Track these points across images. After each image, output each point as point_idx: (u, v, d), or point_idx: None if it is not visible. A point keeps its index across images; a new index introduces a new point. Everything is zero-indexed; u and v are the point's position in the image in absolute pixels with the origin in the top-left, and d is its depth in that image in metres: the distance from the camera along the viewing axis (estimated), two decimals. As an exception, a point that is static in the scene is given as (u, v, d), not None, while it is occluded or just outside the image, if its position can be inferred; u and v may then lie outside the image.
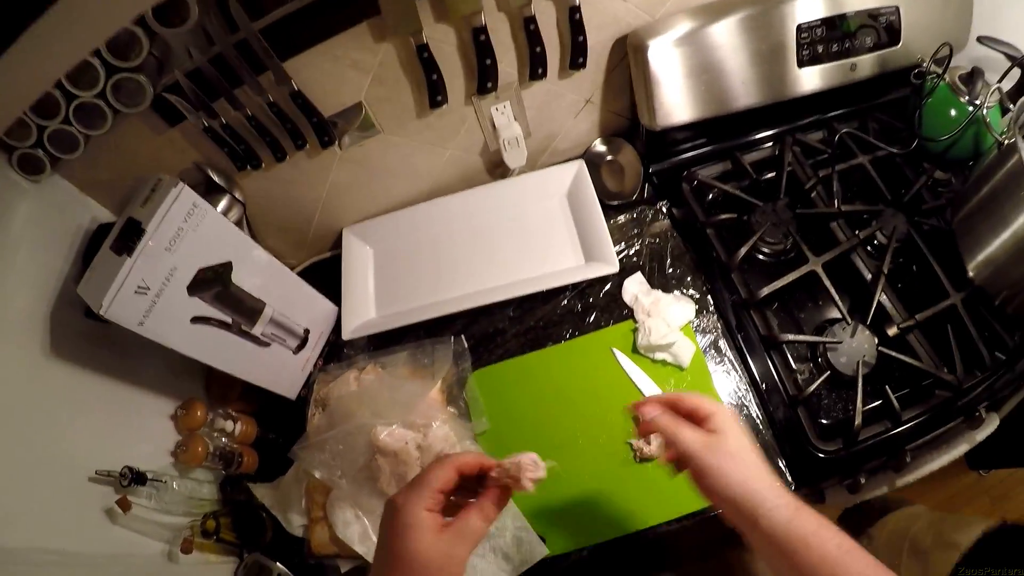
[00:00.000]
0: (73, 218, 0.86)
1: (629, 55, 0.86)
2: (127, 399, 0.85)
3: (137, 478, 0.77)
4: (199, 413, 0.86)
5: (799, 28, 0.83)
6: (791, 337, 0.77)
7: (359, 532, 0.80)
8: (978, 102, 0.82)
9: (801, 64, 0.86)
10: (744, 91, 0.87)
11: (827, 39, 0.85)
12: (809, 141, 0.92)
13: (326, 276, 0.97)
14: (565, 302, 0.89)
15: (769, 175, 0.90)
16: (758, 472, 0.47)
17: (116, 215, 0.91)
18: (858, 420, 0.71)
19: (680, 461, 0.52)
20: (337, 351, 0.95)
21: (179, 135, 0.84)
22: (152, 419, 0.88)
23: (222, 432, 0.88)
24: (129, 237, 0.70)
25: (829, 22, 0.84)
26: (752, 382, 0.79)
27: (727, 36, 0.83)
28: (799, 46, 0.85)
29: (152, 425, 0.88)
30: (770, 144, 0.94)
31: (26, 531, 0.66)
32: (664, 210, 0.92)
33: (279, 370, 0.89)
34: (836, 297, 0.78)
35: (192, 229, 0.73)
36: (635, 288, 0.86)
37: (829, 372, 0.75)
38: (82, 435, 0.77)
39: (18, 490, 0.67)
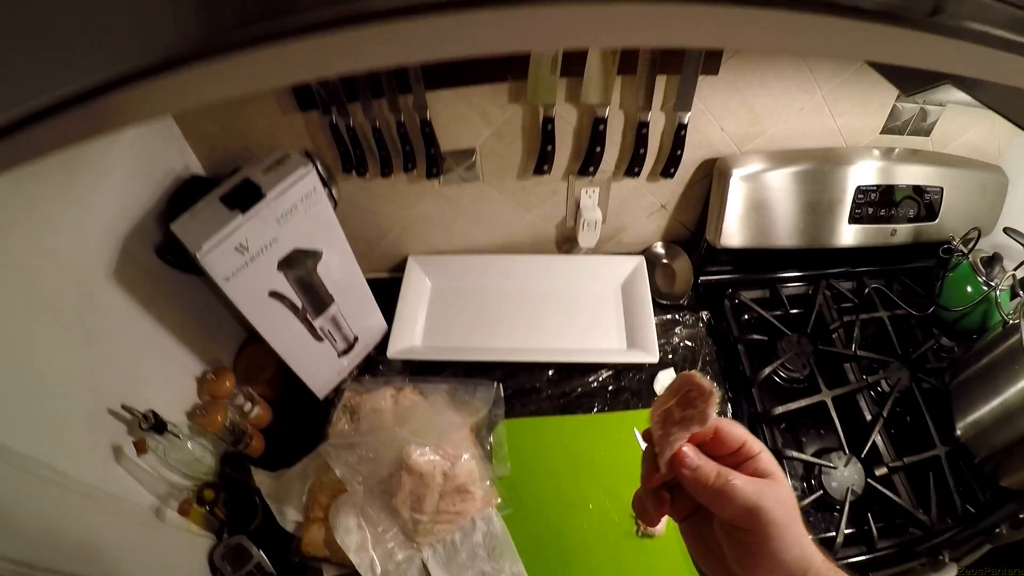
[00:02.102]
0: (169, 160, 0.90)
1: (714, 177, 1.00)
2: (163, 346, 0.87)
3: (158, 425, 0.77)
4: (227, 383, 0.88)
5: (858, 189, 0.98)
6: (794, 454, 0.87)
7: (358, 541, 0.82)
8: (993, 283, 0.95)
9: (851, 221, 1.00)
10: (797, 233, 1.01)
11: (878, 204, 1.00)
12: (840, 287, 1.05)
13: (377, 294, 1.02)
14: (601, 378, 0.97)
15: (800, 310, 1.03)
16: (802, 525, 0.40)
17: (205, 171, 0.95)
18: (839, 539, 0.80)
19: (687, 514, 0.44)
20: (372, 366, 1.00)
21: (302, 121, 0.91)
22: (179, 374, 0.89)
23: (239, 409, 0.90)
24: (245, 196, 0.74)
25: (884, 190, 0.99)
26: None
27: (797, 182, 0.97)
28: (854, 205, 0.99)
29: (177, 380, 0.89)
30: (806, 283, 1.07)
31: (34, 439, 0.65)
32: (705, 319, 1.03)
33: (319, 367, 0.93)
34: (839, 428, 0.89)
35: (304, 210, 0.79)
36: (667, 381, 0.95)
37: (821, 492, 0.84)
38: (112, 364, 0.78)
39: (39, 395, 0.67)
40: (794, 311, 1.03)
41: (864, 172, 0.98)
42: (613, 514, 0.85)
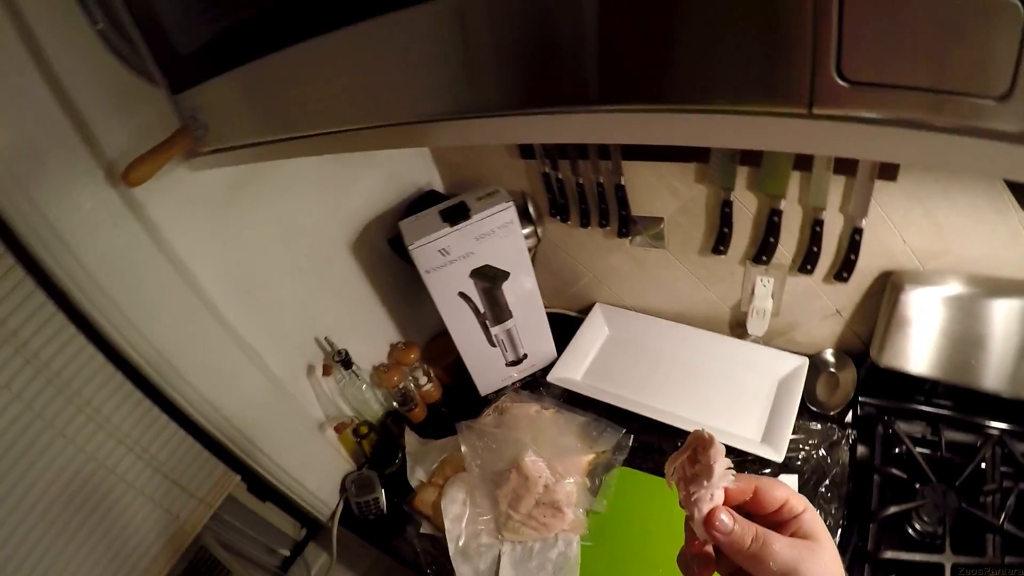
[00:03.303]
0: (417, 175, 1.19)
1: (887, 290, 0.96)
2: (371, 310, 1.15)
3: (346, 362, 1.02)
4: (412, 355, 1.11)
5: None
6: None
7: (456, 513, 0.97)
8: None
9: None
10: (981, 373, 0.91)
11: None
12: (1015, 448, 0.92)
13: (561, 328, 1.20)
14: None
15: (958, 458, 0.92)
16: None
17: (444, 190, 1.22)
18: None
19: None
20: (533, 385, 1.18)
21: (523, 166, 1.12)
22: (377, 336, 1.17)
23: (415, 379, 1.12)
24: (456, 214, 0.97)
25: None
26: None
27: (988, 314, 0.88)
28: None
29: (374, 339, 1.16)
30: (976, 433, 0.95)
31: (260, 337, 0.95)
32: (850, 438, 0.99)
33: (488, 368, 1.14)
34: None
35: (500, 236, 0.98)
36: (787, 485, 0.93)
37: None
38: (332, 311, 1.07)
39: (275, 313, 0.97)
40: (951, 459, 0.93)
41: None
42: None
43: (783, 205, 0.94)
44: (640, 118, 0.35)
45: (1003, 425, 0.95)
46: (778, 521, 0.40)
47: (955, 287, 0.90)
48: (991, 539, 0.85)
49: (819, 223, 0.94)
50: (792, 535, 0.39)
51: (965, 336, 0.91)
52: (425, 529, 1.00)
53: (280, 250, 0.97)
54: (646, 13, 0.31)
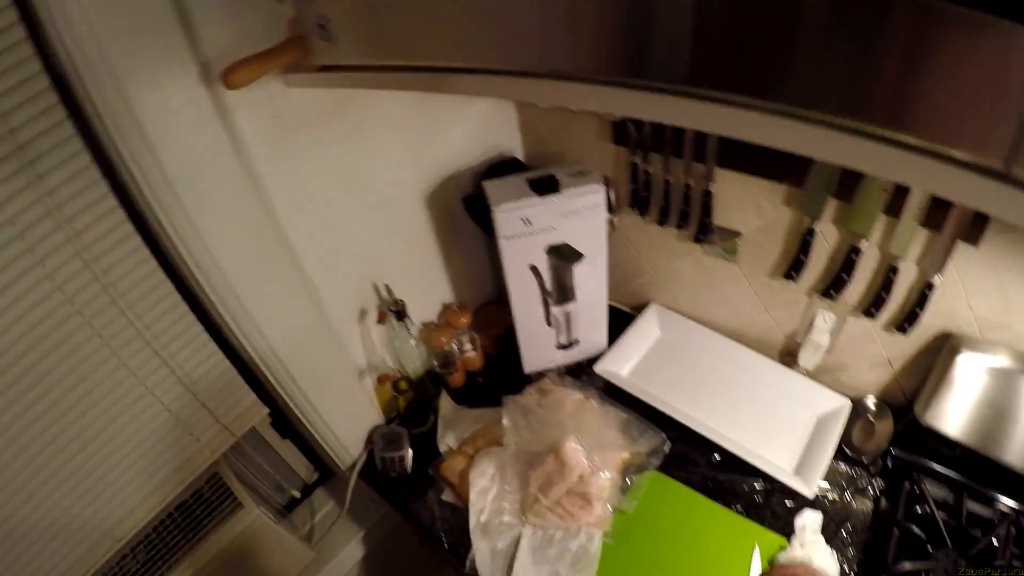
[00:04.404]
0: (501, 140, 1.15)
1: (944, 350, 0.98)
2: (431, 266, 1.13)
3: (401, 312, 1.00)
4: (463, 319, 1.09)
5: None
6: None
7: (482, 486, 0.97)
8: None
9: None
10: (1012, 449, 0.94)
11: None
12: None
13: (615, 322, 1.19)
14: (755, 484, 1.01)
15: (974, 530, 0.96)
16: None
17: (523, 158, 1.18)
18: None
19: None
20: (578, 372, 1.17)
21: (611, 151, 1.10)
22: (433, 295, 1.16)
23: (461, 343, 1.09)
24: (545, 186, 0.95)
25: None
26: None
27: None
28: None
29: (429, 297, 1.15)
30: (996, 508, 0.99)
31: (324, 276, 0.94)
32: (878, 488, 1.01)
33: (538, 346, 1.13)
34: None
35: (584, 217, 0.96)
36: (809, 521, 0.96)
37: None
38: (394, 260, 1.05)
39: (341, 253, 0.96)
40: (968, 529, 0.97)
41: None
42: None
43: (863, 245, 0.94)
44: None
45: (1020, 504, 0.98)
46: None
47: (1006, 361, 0.93)
48: None
49: (894, 270, 0.94)
50: None
51: (1003, 409, 0.93)
52: (447, 497, 1.00)
53: (355, 187, 0.94)
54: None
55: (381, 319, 0.99)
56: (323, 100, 0.84)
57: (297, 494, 1.18)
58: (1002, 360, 0.93)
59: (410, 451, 1.02)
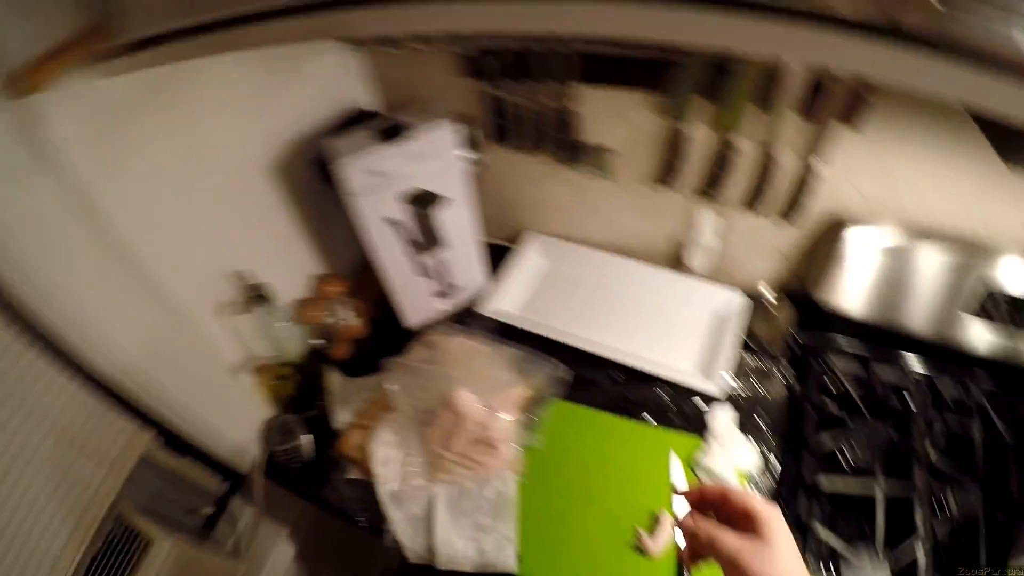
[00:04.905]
0: (349, 92, 1.08)
1: (832, 232, 0.98)
2: (293, 241, 1.06)
3: (262, 296, 0.92)
4: (335, 288, 1.02)
5: (989, 291, 0.91)
6: (821, 533, 0.83)
7: (386, 455, 0.92)
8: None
9: (972, 319, 0.93)
10: (911, 315, 0.96)
11: (1008, 312, 0.91)
12: (941, 388, 0.98)
13: (494, 258, 1.16)
14: (661, 392, 0.99)
15: (889, 396, 0.97)
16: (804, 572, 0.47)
17: (379, 109, 1.11)
18: None
19: (695, 553, 0.53)
20: (464, 317, 1.12)
21: (465, 86, 1.04)
22: (298, 268, 1.08)
23: (339, 315, 1.03)
24: (390, 132, 0.88)
25: (1018, 301, 0.90)
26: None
27: (921, 261, 0.92)
28: (980, 304, 0.92)
29: (295, 272, 1.07)
30: (905, 371, 1.01)
31: (171, 273, 0.84)
32: (788, 375, 1.00)
33: (416, 300, 1.07)
34: (881, 528, 0.84)
35: (437, 159, 0.92)
36: (721, 417, 0.95)
37: None
38: (247, 242, 0.96)
39: (187, 246, 0.86)
40: (881, 395, 0.98)
41: (999, 272, 0.90)
42: (618, 520, 0.87)
43: (737, 141, 0.92)
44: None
45: (927, 366, 1.00)
46: (749, 528, 0.49)
47: (895, 234, 0.93)
48: (918, 470, 0.90)
49: (772, 162, 0.93)
50: (753, 535, 0.48)
51: (898, 280, 0.95)
52: (353, 474, 0.95)
53: (196, 176, 0.85)
54: None
55: (242, 309, 0.92)
56: (142, 89, 0.75)
57: (211, 510, 1.11)
58: (893, 236, 0.94)
59: (307, 437, 0.97)
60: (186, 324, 0.88)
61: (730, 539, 0.49)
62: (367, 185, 0.88)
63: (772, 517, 0.49)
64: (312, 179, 1.00)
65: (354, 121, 1.02)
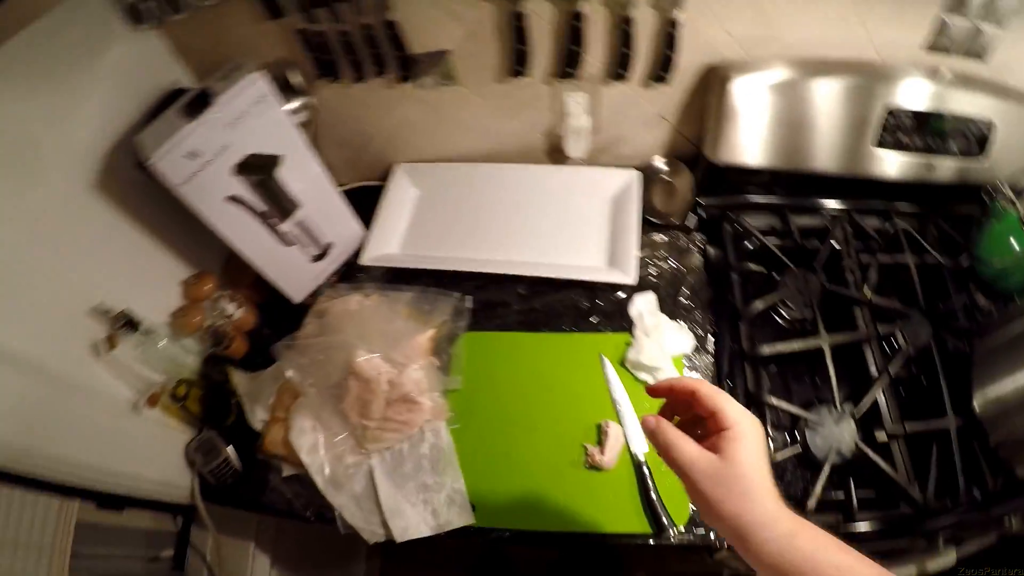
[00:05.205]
0: (156, 75, 0.95)
1: (713, 84, 0.91)
2: (148, 252, 0.94)
3: (130, 324, 0.84)
4: (207, 287, 0.94)
5: (890, 112, 0.86)
6: (775, 402, 0.80)
7: (310, 443, 0.87)
8: (1044, 240, 0.82)
9: (879, 147, 0.89)
10: (816, 155, 0.91)
11: (913, 131, 0.88)
12: (864, 225, 0.95)
13: (367, 202, 1.06)
14: (574, 296, 0.94)
15: (812, 244, 0.92)
16: (752, 504, 0.43)
17: (197, 84, 0.99)
18: (812, 503, 0.73)
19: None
20: (351, 273, 1.03)
21: (276, 29, 0.93)
22: (164, 279, 0.97)
23: (222, 312, 0.95)
24: (196, 105, 0.77)
25: (921, 116, 0.87)
26: (719, 431, 0.81)
27: (816, 96, 0.87)
28: (884, 128, 0.88)
29: (162, 284, 0.97)
30: (823, 216, 0.95)
31: (15, 331, 0.73)
32: (700, 243, 0.95)
33: (292, 271, 0.98)
34: (834, 380, 0.81)
35: (256, 116, 0.81)
36: (643, 306, 0.90)
37: (800, 449, 0.77)
38: (96, 269, 0.86)
39: (23, 294, 0.75)
40: (806, 244, 0.93)
41: (898, 92, 0.85)
42: (563, 440, 0.83)
43: (584, 8, 0.83)
44: None
45: (846, 203, 0.96)
46: (718, 429, 0.46)
47: (782, 73, 0.87)
48: (860, 313, 0.87)
49: (627, 21, 0.84)
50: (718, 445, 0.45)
51: (796, 121, 0.89)
52: (287, 471, 0.89)
53: (10, 209, 0.73)
54: None
55: (112, 343, 0.84)
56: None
57: (171, 552, 1.07)
58: (778, 73, 0.87)
59: (230, 449, 0.91)
60: (56, 382, 0.78)
61: (686, 448, 0.46)
62: (187, 171, 0.78)
63: (741, 420, 0.45)
64: (146, 182, 0.90)
65: (169, 103, 0.91)
